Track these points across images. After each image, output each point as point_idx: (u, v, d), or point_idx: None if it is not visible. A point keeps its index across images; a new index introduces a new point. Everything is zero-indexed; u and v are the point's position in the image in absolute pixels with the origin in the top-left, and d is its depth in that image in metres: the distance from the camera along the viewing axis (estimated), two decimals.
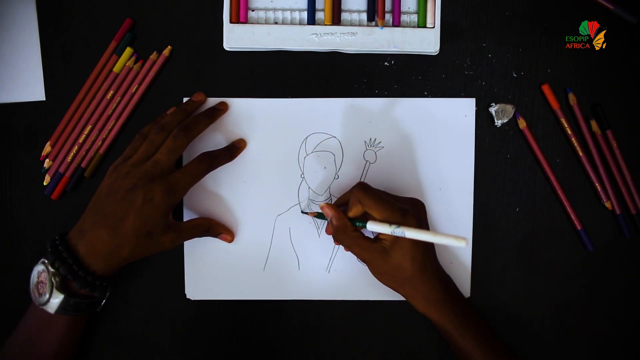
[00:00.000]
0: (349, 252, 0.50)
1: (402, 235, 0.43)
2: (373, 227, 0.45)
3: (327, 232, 0.50)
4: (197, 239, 0.52)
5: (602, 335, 0.54)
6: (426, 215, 0.49)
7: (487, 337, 0.48)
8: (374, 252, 0.46)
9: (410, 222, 0.44)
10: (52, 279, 0.45)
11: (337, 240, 0.49)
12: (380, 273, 0.48)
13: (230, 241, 0.52)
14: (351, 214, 0.47)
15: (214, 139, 0.53)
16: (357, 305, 0.54)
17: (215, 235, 0.52)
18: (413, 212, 0.46)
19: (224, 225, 0.52)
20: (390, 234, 0.44)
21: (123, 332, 0.54)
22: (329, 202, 0.50)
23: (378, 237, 0.47)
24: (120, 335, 0.54)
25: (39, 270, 0.46)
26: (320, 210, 0.50)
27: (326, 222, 0.52)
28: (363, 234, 0.47)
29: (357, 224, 0.46)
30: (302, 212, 0.53)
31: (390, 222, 0.44)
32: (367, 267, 0.53)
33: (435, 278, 0.47)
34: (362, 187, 0.47)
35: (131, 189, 0.45)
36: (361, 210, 0.46)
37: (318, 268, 0.53)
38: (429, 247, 0.47)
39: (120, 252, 0.45)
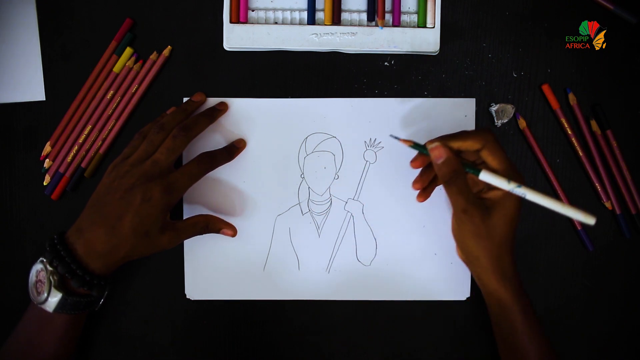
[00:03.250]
0: (450, 199, 0.45)
1: (522, 196, 0.41)
2: (489, 178, 0.42)
3: (414, 164, 0.47)
4: (197, 239, 0.52)
5: (602, 335, 0.54)
6: None
7: (544, 332, 0.46)
8: (477, 207, 0.43)
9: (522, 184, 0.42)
10: (50, 277, 0.45)
11: (447, 184, 0.44)
12: (473, 233, 0.44)
13: (233, 235, 0.51)
14: (466, 145, 0.44)
15: (214, 139, 0.53)
16: (357, 305, 0.54)
17: (216, 231, 0.51)
18: (524, 181, 0.44)
19: (223, 220, 0.52)
20: (507, 189, 0.42)
21: (123, 332, 0.54)
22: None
23: (479, 196, 0.45)
24: (120, 335, 0.54)
25: (38, 269, 0.46)
26: (416, 142, 0.46)
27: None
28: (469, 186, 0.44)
29: (468, 169, 0.44)
30: (391, 135, 0.47)
31: (509, 179, 0.42)
32: (365, 268, 0.53)
33: (514, 255, 0.46)
34: (491, 131, 0.45)
35: (130, 188, 0.45)
36: (478, 147, 0.44)
37: (318, 268, 0.53)
38: (519, 221, 0.45)
39: (118, 251, 0.45)
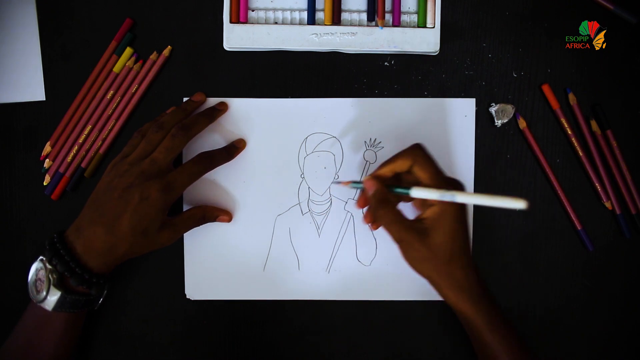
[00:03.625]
0: (385, 230, 0.45)
1: (452, 200, 0.41)
2: (418, 193, 0.42)
3: (359, 204, 0.48)
4: (197, 239, 0.53)
5: (602, 335, 0.54)
6: None
7: (515, 336, 0.46)
8: (412, 232, 0.43)
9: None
10: (50, 276, 0.45)
11: (375, 216, 0.45)
12: (416, 257, 0.44)
13: (229, 220, 0.52)
14: (396, 167, 0.45)
15: (214, 139, 0.53)
16: (357, 305, 0.54)
17: (213, 219, 0.51)
18: (457, 186, 0.44)
19: (218, 208, 0.52)
20: (436, 198, 0.42)
21: (123, 332, 0.54)
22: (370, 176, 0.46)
23: (417, 218, 0.45)
24: (120, 335, 0.54)
25: (37, 268, 0.46)
26: (354, 180, 0.48)
27: (346, 202, 0.52)
28: (402, 213, 0.45)
29: (398, 190, 0.44)
30: (334, 182, 0.51)
31: (439, 189, 0.42)
32: (365, 268, 0.53)
33: (471, 267, 0.45)
34: (420, 146, 0.45)
35: (128, 187, 0.45)
36: (407, 166, 0.44)
37: (318, 268, 0.53)
38: (467, 233, 0.45)
39: (117, 250, 0.46)
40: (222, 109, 0.52)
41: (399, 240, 0.45)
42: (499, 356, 0.45)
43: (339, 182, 0.51)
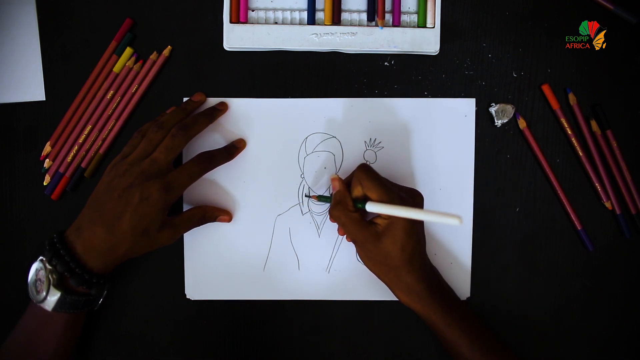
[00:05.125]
0: (343, 231, 0.50)
1: (397, 215, 0.44)
2: (371, 208, 0.45)
3: (340, 232, 0.51)
4: (197, 239, 0.53)
5: (602, 335, 0.54)
6: (423, 207, 0.49)
7: (475, 328, 0.47)
8: (366, 234, 0.46)
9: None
10: (50, 276, 0.45)
11: (334, 217, 0.47)
12: (369, 257, 0.47)
13: (229, 220, 0.52)
14: (353, 194, 0.47)
15: (214, 139, 0.53)
16: (357, 305, 0.54)
17: (213, 219, 0.52)
18: (411, 201, 0.46)
19: (218, 208, 0.52)
20: (387, 214, 0.44)
21: (123, 332, 0.54)
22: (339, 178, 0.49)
23: (372, 221, 0.47)
24: (120, 335, 0.54)
25: (37, 268, 0.46)
26: (320, 194, 0.51)
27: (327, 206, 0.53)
28: (360, 216, 0.47)
29: (358, 205, 0.46)
30: (306, 195, 0.53)
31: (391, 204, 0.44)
32: (365, 268, 0.53)
33: (422, 270, 0.47)
34: (364, 169, 0.47)
35: (128, 187, 0.45)
36: (361, 191, 0.46)
37: (318, 268, 0.53)
38: (420, 239, 0.47)
39: (117, 250, 0.46)
40: (222, 109, 0.52)
41: (353, 240, 0.47)
42: (460, 350, 0.47)
43: (308, 196, 0.52)
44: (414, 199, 0.47)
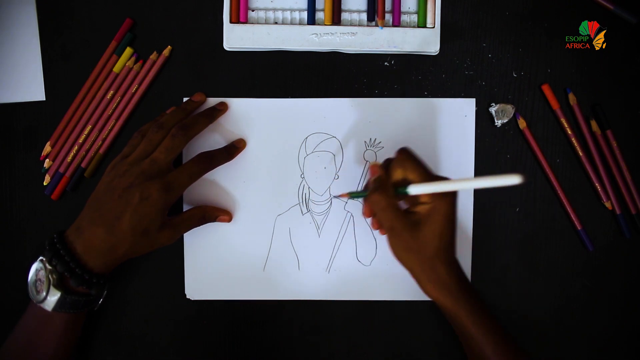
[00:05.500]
0: (378, 217, 0.46)
1: (446, 189, 0.43)
2: (416, 189, 0.44)
3: (365, 215, 0.49)
4: (197, 239, 0.53)
5: (602, 335, 0.54)
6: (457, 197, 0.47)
7: (499, 330, 0.46)
8: (405, 222, 0.45)
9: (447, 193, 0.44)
10: (50, 276, 0.45)
11: (373, 202, 0.45)
12: (404, 247, 0.45)
13: (229, 220, 0.52)
14: (396, 176, 0.46)
15: (214, 140, 0.53)
16: (357, 305, 0.54)
17: (213, 219, 0.52)
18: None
19: (219, 208, 0.52)
20: (433, 191, 0.43)
21: (123, 332, 0.54)
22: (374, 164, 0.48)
23: (409, 209, 0.46)
24: (120, 335, 0.54)
25: (37, 268, 0.46)
26: (351, 190, 0.50)
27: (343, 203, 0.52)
28: (397, 203, 0.46)
29: (400, 191, 0.45)
30: (334, 196, 0.52)
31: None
32: (365, 268, 0.53)
33: (453, 263, 0.46)
34: (407, 152, 0.46)
35: (128, 187, 0.45)
36: (401, 175, 0.45)
37: (318, 268, 0.53)
38: (454, 232, 0.46)
39: (117, 250, 0.46)
40: (222, 109, 0.52)
41: (389, 228, 0.45)
42: (484, 348, 0.45)
43: (337, 196, 0.52)
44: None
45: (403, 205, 0.47)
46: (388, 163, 0.47)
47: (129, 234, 0.45)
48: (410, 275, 0.47)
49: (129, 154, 0.48)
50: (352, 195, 0.50)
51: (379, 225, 0.49)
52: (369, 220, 0.53)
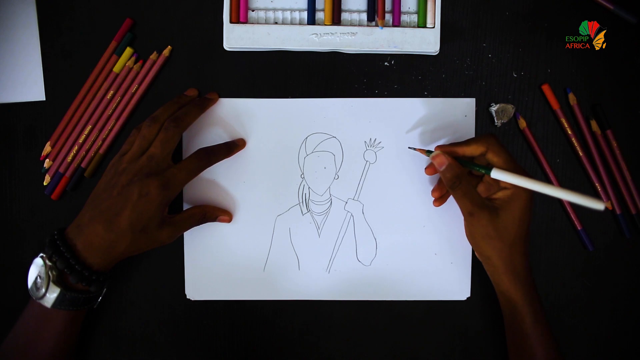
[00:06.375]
0: (458, 202, 0.47)
1: (530, 187, 0.43)
2: (499, 175, 0.44)
3: (428, 171, 0.49)
4: (198, 239, 0.53)
5: (602, 335, 0.54)
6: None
7: (552, 333, 0.47)
8: (483, 208, 0.45)
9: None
10: (49, 272, 0.45)
11: (451, 188, 0.46)
12: (481, 234, 0.45)
13: (229, 221, 0.52)
14: (470, 150, 0.46)
15: (214, 140, 0.53)
16: (358, 305, 0.54)
17: (213, 219, 0.52)
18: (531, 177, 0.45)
19: (219, 208, 0.52)
20: (517, 183, 0.44)
21: (123, 331, 0.54)
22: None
23: (488, 197, 0.47)
24: (120, 334, 0.54)
25: (37, 265, 0.46)
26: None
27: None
28: (474, 186, 0.46)
29: (477, 167, 0.45)
30: (410, 147, 0.51)
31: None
32: (365, 268, 0.53)
33: (528, 256, 0.47)
34: (494, 135, 0.46)
35: (127, 184, 0.46)
36: (479, 151, 0.46)
37: (318, 268, 0.53)
38: (530, 222, 0.47)
39: (117, 247, 0.46)
40: (212, 98, 0.52)
41: (469, 214, 0.45)
42: (537, 349, 0.45)
43: (414, 148, 0.50)
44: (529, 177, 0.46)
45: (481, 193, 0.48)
46: (456, 145, 0.47)
47: (128, 231, 0.45)
48: (485, 265, 0.47)
49: (126, 151, 0.48)
50: (429, 153, 0.48)
51: (440, 193, 0.50)
52: (369, 220, 0.53)
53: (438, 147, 0.47)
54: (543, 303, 0.47)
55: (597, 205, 0.40)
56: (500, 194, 0.46)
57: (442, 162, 0.46)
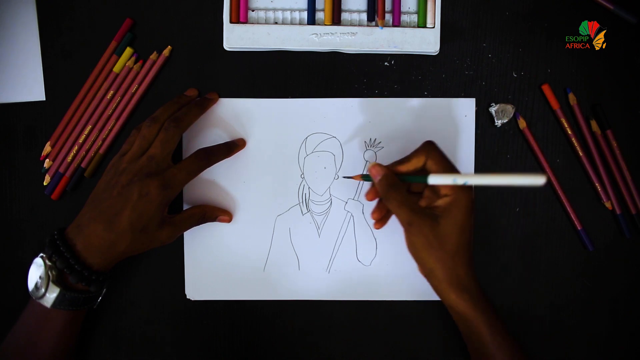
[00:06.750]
0: (395, 214, 0.45)
1: (464, 183, 0.42)
2: (435, 180, 0.43)
3: (368, 197, 0.48)
4: (198, 239, 0.53)
5: (602, 335, 0.54)
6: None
7: (514, 343, 0.45)
8: (423, 217, 0.43)
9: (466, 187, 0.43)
10: (49, 272, 0.45)
11: (389, 198, 0.44)
12: (423, 244, 0.43)
13: (229, 221, 0.52)
14: (409, 166, 0.45)
15: (214, 140, 0.53)
16: (357, 305, 0.54)
17: (213, 219, 0.52)
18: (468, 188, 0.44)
19: (219, 208, 0.52)
20: (451, 183, 0.43)
21: (123, 331, 0.54)
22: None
23: (428, 206, 0.45)
24: (120, 334, 0.54)
25: (37, 264, 0.46)
26: (365, 173, 0.49)
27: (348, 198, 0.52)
28: (413, 196, 0.45)
29: (413, 178, 0.45)
30: (345, 177, 0.51)
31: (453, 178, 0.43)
32: (365, 268, 0.53)
33: (472, 265, 0.45)
34: (431, 143, 0.46)
35: (127, 184, 0.46)
36: (421, 163, 0.45)
37: (318, 268, 0.53)
38: (473, 228, 0.45)
39: (117, 247, 0.46)
40: (212, 98, 0.52)
41: (409, 223, 0.44)
42: (497, 357, 0.44)
43: (349, 177, 0.50)
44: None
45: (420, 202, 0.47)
46: (399, 163, 0.46)
47: (128, 231, 0.45)
48: (429, 280, 0.45)
49: (127, 151, 0.48)
50: (366, 178, 0.48)
51: (379, 214, 0.48)
52: (369, 220, 0.53)
53: (376, 164, 0.46)
54: (496, 310, 0.46)
55: (537, 181, 0.37)
56: (440, 202, 0.44)
57: (378, 172, 0.45)
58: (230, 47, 0.52)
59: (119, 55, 0.53)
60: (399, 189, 0.44)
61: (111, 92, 0.53)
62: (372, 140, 0.53)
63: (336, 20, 0.52)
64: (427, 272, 0.45)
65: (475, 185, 0.42)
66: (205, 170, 0.50)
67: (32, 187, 0.54)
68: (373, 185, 0.47)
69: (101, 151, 0.53)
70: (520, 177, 0.39)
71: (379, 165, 0.45)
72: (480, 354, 0.45)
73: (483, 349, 0.45)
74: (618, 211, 0.53)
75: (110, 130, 0.53)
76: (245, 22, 0.52)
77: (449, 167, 0.44)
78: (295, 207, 0.53)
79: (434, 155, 0.45)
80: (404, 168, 0.45)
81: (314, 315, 0.54)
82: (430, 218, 0.43)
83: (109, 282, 0.50)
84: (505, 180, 0.40)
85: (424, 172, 0.45)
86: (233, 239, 0.53)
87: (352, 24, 0.52)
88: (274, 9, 0.52)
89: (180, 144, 0.52)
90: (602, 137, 0.53)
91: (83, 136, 0.53)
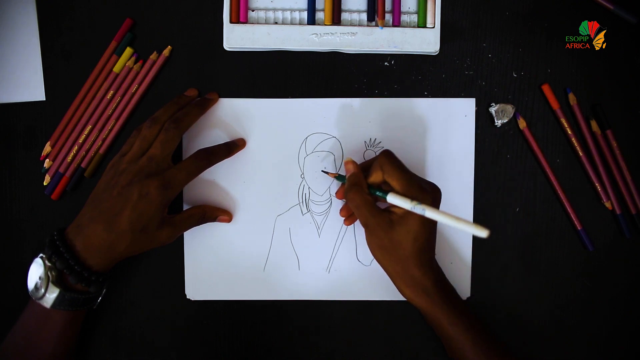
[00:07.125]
0: (349, 222, 0.51)
1: (422, 213, 0.42)
2: (393, 200, 0.44)
3: (338, 195, 0.51)
4: (198, 239, 0.53)
5: (602, 335, 0.54)
6: (440, 202, 0.47)
7: (478, 329, 0.47)
8: (380, 221, 0.45)
9: (426, 201, 0.43)
10: (49, 273, 0.45)
11: (349, 199, 0.46)
12: (378, 245, 0.46)
13: (229, 221, 0.52)
14: (371, 179, 0.46)
15: (214, 140, 0.53)
16: (357, 305, 0.54)
17: (213, 219, 0.52)
18: (430, 192, 0.45)
19: (219, 208, 0.52)
20: (408, 209, 0.43)
21: (123, 331, 0.54)
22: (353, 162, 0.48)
23: (388, 208, 0.46)
24: (120, 335, 0.54)
25: (37, 265, 0.46)
26: (341, 173, 0.51)
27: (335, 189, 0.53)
28: (374, 201, 0.46)
29: (377, 193, 0.45)
30: (322, 171, 0.52)
31: (408, 196, 0.43)
32: (365, 268, 0.53)
33: (429, 266, 0.47)
34: (387, 155, 0.46)
35: (127, 184, 0.46)
36: (381, 177, 0.46)
37: (318, 268, 0.53)
38: (432, 234, 0.47)
39: (116, 247, 0.46)
40: (212, 98, 0.52)
41: (364, 225, 0.46)
42: (463, 347, 0.46)
43: (326, 172, 0.51)
44: (434, 192, 0.46)
45: (382, 204, 0.47)
46: (369, 163, 0.48)
47: (128, 231, 0.45)
48: (386, 272, 0.48)
49: (127, 152, 0.48)
50: (339, 178, 0.50)
51: (347, 213, 0.51)
52: None
53: (351, 160, 0.48)
54: (461, 301, 0.47)
55: (481, 233, 0.39)
56: (397, 209, 0.45)
57: (349, 169, 0.47)
58: (230, 47, 0.52)
59: (119, 55, 0.53)
60: (360, 190, 0.46)
61: (111, 92, 0.53)
62: (372, 140, 0.53)
63: (336, 20, 0.52)
64: (382, 267, 0.47)
65: (424, 215, 0.43)
66: (205, 171, 0.50)
67: (32, 187, 0.54)
68: (342, 185, 0.50)
69: (101, 151, 0.53)
70: (469, 225, 0.40)
71: (353, 162, 0.47)
72: (449, 346, 0.48)
73: (449, 341, 0.47)
74: (618, 211, 0.53)
75: (110, 130, 0.53)
76: (245, 22, 0.52)
77: (406, 182, 0.45)
78: (295, 207, 0.53)
79: (389, 169, 0.45)
80: (369, 180, 0.47)
81: (314, 315, 0.54)
82: (386, 222, 0.45)
83: (109, 282, 0.50)
84: (455, 223, 0.41)
85: (386, 185, 0.46)
86: (233, 239, 0.53)
87: (352, 24, 0.52)
88: (274, 9, 0.52)
89: (181, 144, 0.53)
90: (602, 137, 0.53)
91: (83, 136, 0.53)
